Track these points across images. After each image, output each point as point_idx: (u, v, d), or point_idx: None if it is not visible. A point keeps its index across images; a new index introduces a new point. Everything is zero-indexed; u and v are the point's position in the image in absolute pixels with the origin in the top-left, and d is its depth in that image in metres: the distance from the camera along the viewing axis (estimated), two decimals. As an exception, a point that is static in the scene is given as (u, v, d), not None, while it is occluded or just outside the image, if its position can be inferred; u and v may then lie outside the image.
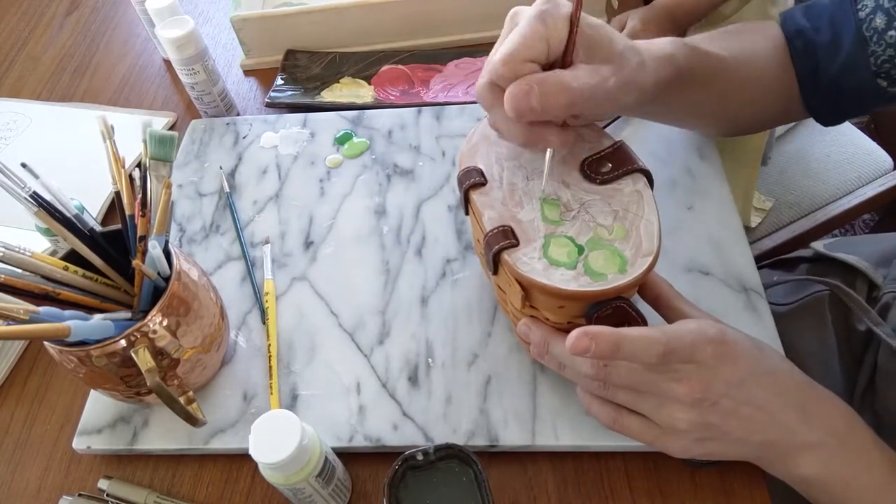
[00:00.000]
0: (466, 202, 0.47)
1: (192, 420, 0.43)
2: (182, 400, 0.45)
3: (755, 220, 0.91)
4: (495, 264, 0.43)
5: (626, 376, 0.39)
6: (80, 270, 0.46)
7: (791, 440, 0.39)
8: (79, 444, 0.51)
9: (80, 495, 0.50)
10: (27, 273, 0.43)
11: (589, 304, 0.40)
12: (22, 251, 0.43)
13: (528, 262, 0.40)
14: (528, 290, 0.41)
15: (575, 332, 0.37)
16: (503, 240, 0.41)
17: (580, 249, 0.41)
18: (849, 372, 0.58)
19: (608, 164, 0.44)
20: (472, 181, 0.45)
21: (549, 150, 0.42)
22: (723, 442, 0.39)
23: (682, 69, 0.47)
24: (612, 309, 0.39)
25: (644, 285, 0.44)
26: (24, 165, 0.47)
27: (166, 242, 0.47)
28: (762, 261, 0.75)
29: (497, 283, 0.48)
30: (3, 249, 0.41)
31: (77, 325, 0.40)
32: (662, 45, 0.47)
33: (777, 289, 0.66)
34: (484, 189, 0.45)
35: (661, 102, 0.48)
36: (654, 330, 0.37)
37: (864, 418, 0.41)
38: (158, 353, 0.44)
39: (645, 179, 0.44)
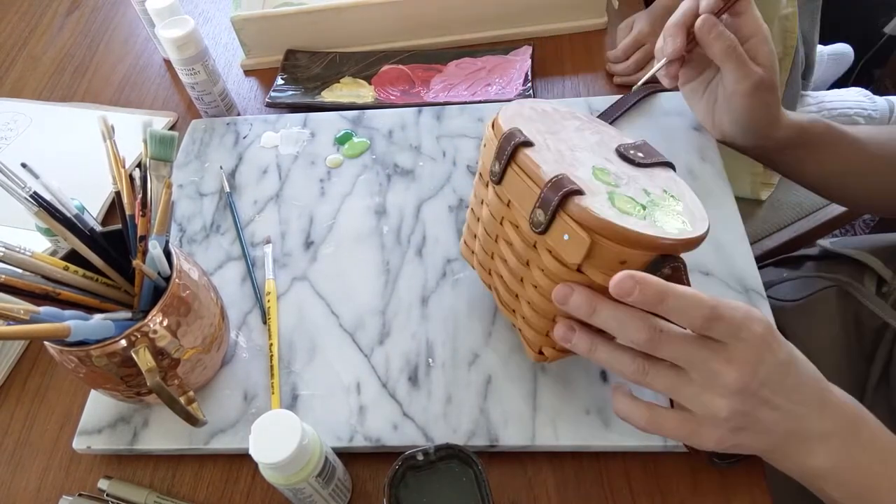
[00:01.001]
0: (507, 165, 0.43)
1: (193, 420, 0.43)
2: (182, 400, 0.45)
3: (765, 194, 0.91)
4: (553, 216, 0.39)
5: (678, 346, 0.37)
6: (81, 270, 0.46)
7: (807, 430, 0.38)
8: (79, 444, 0.51)
9: (80, 495, 0.50)
10: (27, 273, 0.43)
11: (650, 261, 0.38)
12: (22, 251, 0.43)
13: (599, 209, 0.38)
14: (597, 238, 0.37)
15: (620, 274, 0.35)
16: (568, 185, 0.38)
17: (643, 207, 0.40)
18: (858, 367, 0.58)
19: (639, 154, 0.45)
20: (519, 139, 0.42)
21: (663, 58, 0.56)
22: (752, 433, 0.38)
23: (810, 135, 0.57)
24: (671, 269, 0.38)
25: None
26: (24, 165, 0.47)
27: (167, 242, 0.47)
28: (764, 261, 0.75)
29: (512, 274, 0.45)
30: (3, 249, 0.41)
31: (77, 324, 0.40)
32: (801, 115, 0.58)
33: (785, 286, 0.66)
34: (533, 149, 0.42)
35: (795, 157, 0.59)
36: (705, 295, 0.36)
37: (877, 413, 0.41)
38: (159, 353, 0.44)
39: (672, 171, 0.45)
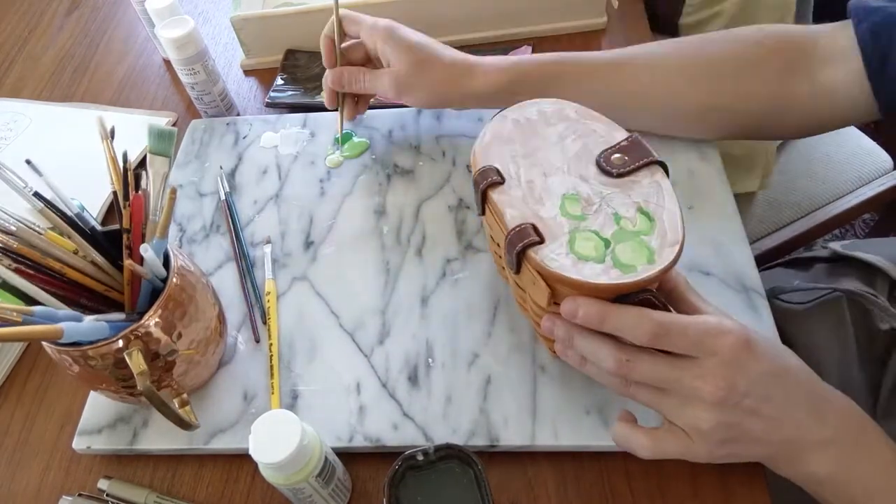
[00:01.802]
0: (484, 202, 0.46)
1: (185, 424, 0.43)
2: (176, 402, 0.45)
3: (767, 183, 0.91)
4: (518, 263, 0.42)
5: (648, 372, 0.38)
6: (90, 255, 0.46)
7: (806, 438, 0.38)
8: (79, 444, 0.51)
9: (80, 495, 0.50)
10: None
11: (616, 297, 0.39)
12: (36, 228, 0.43)
13: (555, 258, 0.40)
14: (556, 286, 0.40)
15: (567, 298, 0.38)
16: (527, 237, 0.41)
17: (606, 243, 0.40)
18: (871, 372, 0.58)
19: (624, 158, 0.44)
20: (489, 180, 0.45)
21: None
22: (743, 443, 0.39)
23: (542, 79, 0.57)
24: (639, 301, 0.39)
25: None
26: (28, 162, 0.47)
27: (165, 248, 0.47)
28: (763, 261, 0.75)
29: (517, 283, 0.47)
30: (19, 223, 0.41)
31: (70, 326, 0.40)
32: (509, 60, 0.59)
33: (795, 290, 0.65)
34: (502, 188, 0.45)
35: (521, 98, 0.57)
36: (655, 312, 0.37)
37: (891, 420, 0.41)
38: (154, 356, 0.44)
39: (662, 171, 0.44)
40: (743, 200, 0.92)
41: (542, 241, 0.41)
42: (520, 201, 0.43)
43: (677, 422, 0.39)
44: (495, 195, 0.44)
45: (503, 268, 0.51)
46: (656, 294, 0.39)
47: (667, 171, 0.44)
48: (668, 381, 0.38)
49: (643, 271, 0.38)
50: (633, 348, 0.39)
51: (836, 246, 0.65)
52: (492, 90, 0.58)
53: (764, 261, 0.77)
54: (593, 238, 0.41)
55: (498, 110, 0.50)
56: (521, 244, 0.41)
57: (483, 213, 0.48)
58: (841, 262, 0.65)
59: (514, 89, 0.58)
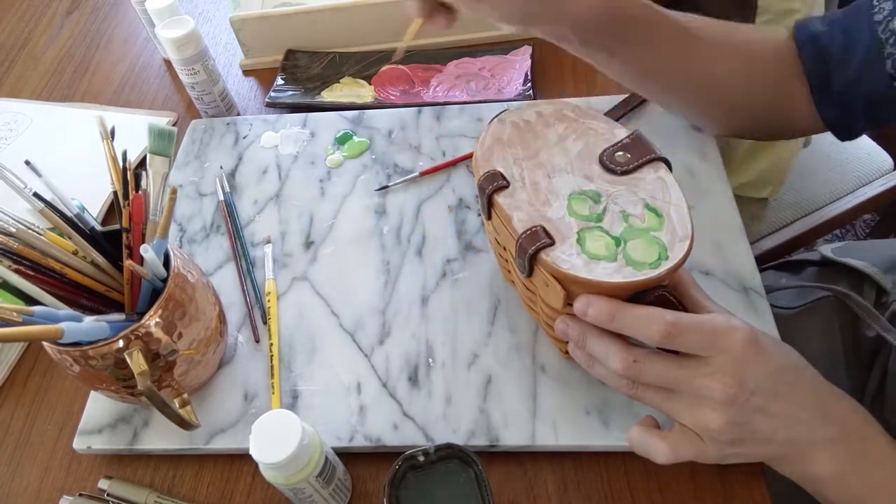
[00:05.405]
0: (490, 207, 0.46)
1: (185, 424, 0.43)
2: (177, 402, 0.45)
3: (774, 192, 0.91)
4: (531, 266, 0.42)
5: (656, 374, 0.38)
6: (90, 256, 0.46)
7: (811, 437, 0.38)
8: (79, 443, 0.51)
9: (80, 495, 0.50)
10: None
11: (631, 295, 0.39)
12: (36, 229, 0.43)
13: (567, 259, 0.40)
14: (570, 287, 0.40)
15: (580, 297, 0.38)
16: (538, 240, 0.41)
17: (617, 241, 0.40)
18: (857, 378, 0.58)
19: (627, 155, 0.44)
20: (495, 185, 0.44)
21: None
22: (751, 442, 0.39)
23: (629, 19, 0.49)
24: (654, 298, 0.39)
25: None
26: (27, 163, 0.47)
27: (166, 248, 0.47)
28: (763, 261, 0.75)
29: (526, 286, 0.47)
30: (19, 224, 0.41)
31: (70, 326, 0.40)
32: None
33: (783, 293, 0.65)
34: (507, 191, 0.44)
35: (613, 50, 0.51)
36: (667, 312, 0.37)
37: None
38: (154, 356, 0.44)
39: (665, 167, 0.43)
40: (755, 204, 0.92)
41: (552, 243, 0.41)
42: (526, 204, 0.43)
43: (686, 423, 0.39)
44: (501, 199, 0.44)
45: (509, 271, 0.51)
46: (671, 290, 0.39)
47: (670, 167, 0.44)
48: (676, 381, 0.38)
49: (656, 268, 0.38)
50: (640, 350, 0.39)
51: (826, 250, 0.65)
52: (591, 19, 0.48)
53: (764, 261, 0.77)
54: (603, 236, 0.41)
55: (496, 114, 0.50)
56: (534, 247, 0.40)
57: (489, 217, 0.47)
58: (831, 267, 0.65)
59: (613, 28, 0.49)
